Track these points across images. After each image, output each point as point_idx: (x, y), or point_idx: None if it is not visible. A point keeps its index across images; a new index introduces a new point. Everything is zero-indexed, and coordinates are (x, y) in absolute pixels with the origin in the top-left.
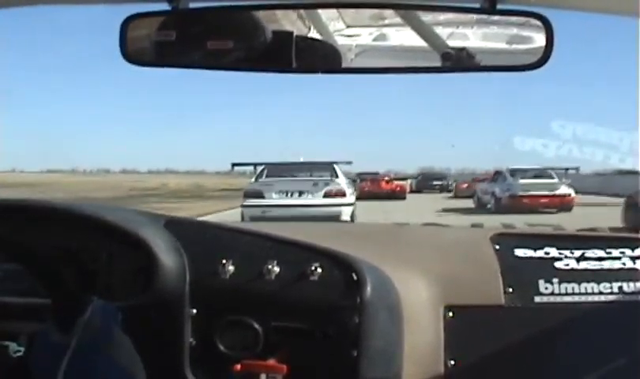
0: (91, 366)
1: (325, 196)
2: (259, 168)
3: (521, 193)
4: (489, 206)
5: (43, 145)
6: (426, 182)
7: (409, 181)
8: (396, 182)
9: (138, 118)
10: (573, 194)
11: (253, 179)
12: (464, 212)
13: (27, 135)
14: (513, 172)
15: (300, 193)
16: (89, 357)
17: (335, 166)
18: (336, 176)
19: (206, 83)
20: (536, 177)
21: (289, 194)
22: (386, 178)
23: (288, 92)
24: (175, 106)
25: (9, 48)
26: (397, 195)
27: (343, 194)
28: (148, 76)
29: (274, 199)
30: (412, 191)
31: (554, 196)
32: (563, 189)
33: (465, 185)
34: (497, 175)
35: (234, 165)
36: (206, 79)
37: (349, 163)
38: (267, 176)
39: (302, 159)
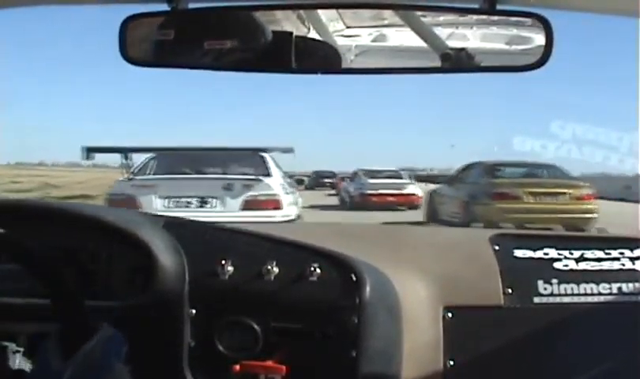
0: None
1: (246, 207)
2: (142, 158)
3: (370, 192)
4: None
5: (9, 138)
6: (317, 180)
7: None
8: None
9: (108, 115)
10: (420, 194)
11: (125, 176)
12: (328, 208)
13: None
14: (367, 172)
15: (202, 202)
16: None
17: (266, 157)
18: (268, 174)
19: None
20: (387, 178)
21: (183, 203)
22: None
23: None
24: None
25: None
26: None
27: (276, 205)
28: (127, 72)
29: (158, 210)
30: (305, 188)
31: (401, 195)
32: (410, 189)
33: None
34: (354, 175)
35: (89, 150)
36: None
37: (288, 151)
38: (156, 171)
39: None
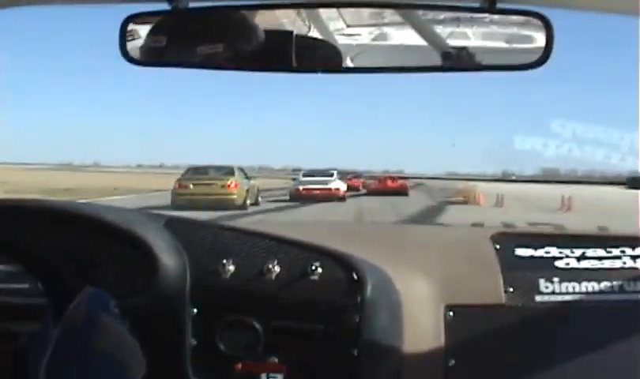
0: (74, 355)
1: None
2: None
3: (301, 187)
4: None
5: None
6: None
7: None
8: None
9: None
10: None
11: None
12: None
13: None
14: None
15: None
16: (72, 345)
17: None
18: None
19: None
20: (318, 175)
21: None
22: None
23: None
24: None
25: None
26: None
27: None
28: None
29: None
30: None
31: (327, 189)
32: (335, 184)
33: None
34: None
35: None
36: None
37: None
38: None
39: None
